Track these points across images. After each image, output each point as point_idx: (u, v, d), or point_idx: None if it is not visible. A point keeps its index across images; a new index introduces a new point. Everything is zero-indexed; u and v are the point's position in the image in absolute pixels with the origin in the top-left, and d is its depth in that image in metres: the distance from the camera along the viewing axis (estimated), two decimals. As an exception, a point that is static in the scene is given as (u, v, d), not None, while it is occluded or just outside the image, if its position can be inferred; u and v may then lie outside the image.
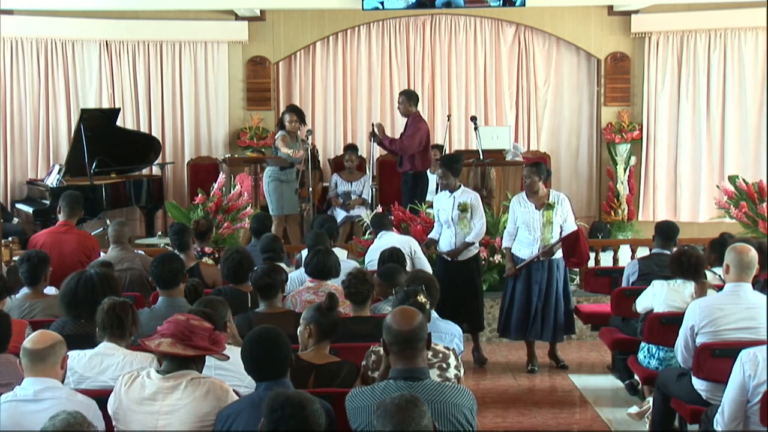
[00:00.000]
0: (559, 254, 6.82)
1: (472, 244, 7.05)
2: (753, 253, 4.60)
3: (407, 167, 9.28)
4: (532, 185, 6.79)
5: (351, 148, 10.75)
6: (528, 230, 6.81)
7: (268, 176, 9.18)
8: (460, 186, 7.05)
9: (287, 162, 9.00)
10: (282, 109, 11.11)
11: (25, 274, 5.37)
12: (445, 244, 7.07)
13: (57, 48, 10.90)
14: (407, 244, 6.82)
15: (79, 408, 3.20)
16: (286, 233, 9.34)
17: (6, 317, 4.13)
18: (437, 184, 8.99)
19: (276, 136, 9.27)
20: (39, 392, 3.42)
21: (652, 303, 5.55)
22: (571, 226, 6.83)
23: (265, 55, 11.18)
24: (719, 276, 5.78)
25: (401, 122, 9.57)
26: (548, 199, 6.81)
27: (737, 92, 10.87)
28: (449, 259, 7.04)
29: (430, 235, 7.31)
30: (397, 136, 9.40)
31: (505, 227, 7.99)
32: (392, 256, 5.96)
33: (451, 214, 6.97)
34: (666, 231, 6.50)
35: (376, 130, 9.26)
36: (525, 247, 6.87)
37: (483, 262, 7.92)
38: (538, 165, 6.95)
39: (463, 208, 6.93)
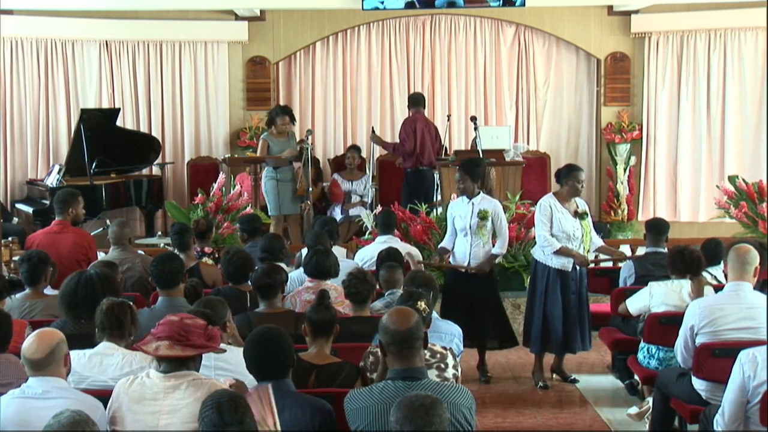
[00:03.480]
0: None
1: (499, 256, 6.68)
2: (752, 253, 4.61)
3: (408, 164, 9.45)
4: (579, 192, 6.36)
5: (354, 148, 10.82)
6: (569, 240, 6.28)
7: (265, 176, 9.24)
8: (479, 192, 6.61)
9: (286, 161, 9.01)
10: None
11: (25, 275, 5.37)
12: (461, 254, 6.61)
13: (57, 48, 10.90)
14: (411, 256, 6.65)
15: (85, 409, 3.19)
16: (286, 233, 9.35)
17: (7, 317, 4.12)
18: (436, 185, 9.05)
19: (263, 137, 9.29)
20: (47, 391, 3.41)
21: (649, 304, 5.55)
22: (596, 236, 6.58)
23: (265, 55, 11.17)
24: (715, 276, 5.80)
25: (400, 122, 9.70)
26: (578, 207, 6.37)
27: (737, 92, 10.87)
28: (463, 270, 6.58)
29: (442, 245, 6.77)
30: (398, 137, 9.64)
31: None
32: (390, 256, 5.96)
33: (469, 222, 6.51)
34: (656, 226, 6.51)
35: (373, 141, 9.44)
36: (559, 256, 6.32)
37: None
38: (581, 169, 6.47)
39: (483, 216, 6.47)
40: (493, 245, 6.62)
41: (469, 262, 6.58)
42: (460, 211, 6.64)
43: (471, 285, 6.55)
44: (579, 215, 6.35)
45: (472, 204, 6.57)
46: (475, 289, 6.55)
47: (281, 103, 11.16)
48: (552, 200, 6.36)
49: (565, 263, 6.34)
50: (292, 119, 9.30)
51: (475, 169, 6.65)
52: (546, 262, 6.40)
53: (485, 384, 6.67)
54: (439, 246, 6.79)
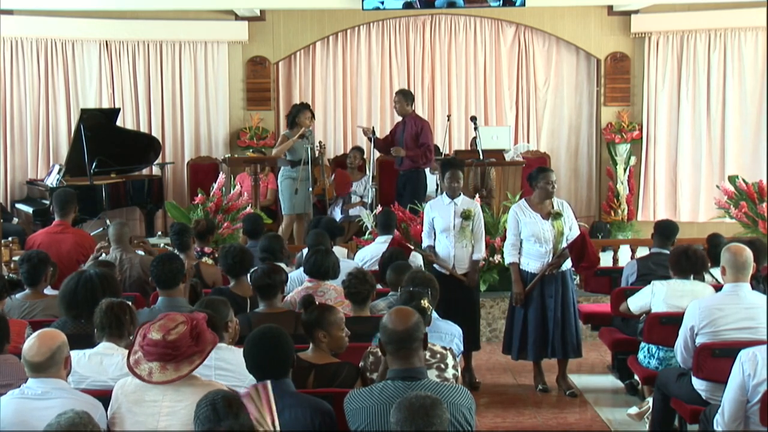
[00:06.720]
0: (567, 264, 6.31)
1: (480, 261, 6.67)
2: (748, 253, 4.61)
3: (408, 165, 9.31)
4: (550, 193, 6.24)
5: (357, 149, 10.82)
6: (539, 243, 6.22)
7: (281, 175, 9.33)
8: (460, 193, 6.60)
9: (297, 159, 9.03)
10: (282, 108, 11.13)
11: (25, 275, 5.37)
12: (443, 255, 6.57)
13: (57, 48, 10.90)
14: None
15: (85, 409, 3.19)
16: (292, 233, 9.35)
17: (2, 319, 4.12)
18: (437, 185, 9.00)
19: (284, 134, 9.38)
20: (47, 392, 3.41)
21: (650, 303, 5.55)
22: (575, 233, 6.34)
23: (265, 55, 11.18)
24: (715, 277, 5.80)
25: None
26: (553, 208, 6.28)
27: (737, 92, 10.87)
28: (447, 273, 6.47)
29: (429, 244, 6.66)
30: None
31: (505, 227, 8.01)
32: (393, 257, 5.97)
33: (452, 222, 6.49)
34: (665, 229, 6.50)
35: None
36: (535, 260, 6.28)
37: (482, 263, 7.89)
38: (550, 170, 6.44)
39: (467, 216, 6.45)
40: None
41: (453, 265, 6.54)
42: (440, 211, 6.58)
43: (450, 285, 6.36)
44: (553, 215, 6.25)
45: (454, 204, 6.53)
46: (453, 289, 6.39)
47: (281, 103, 11.20)
48: (520, 207, 6.34)
49: (542, 267, 6.27)
50: (313, 115, 9.42)
51: (464, 167, 6.70)
52: (523, 267, 6.35)
53: (474, 390, 6.50)
54: (425, 246, 6.67)
